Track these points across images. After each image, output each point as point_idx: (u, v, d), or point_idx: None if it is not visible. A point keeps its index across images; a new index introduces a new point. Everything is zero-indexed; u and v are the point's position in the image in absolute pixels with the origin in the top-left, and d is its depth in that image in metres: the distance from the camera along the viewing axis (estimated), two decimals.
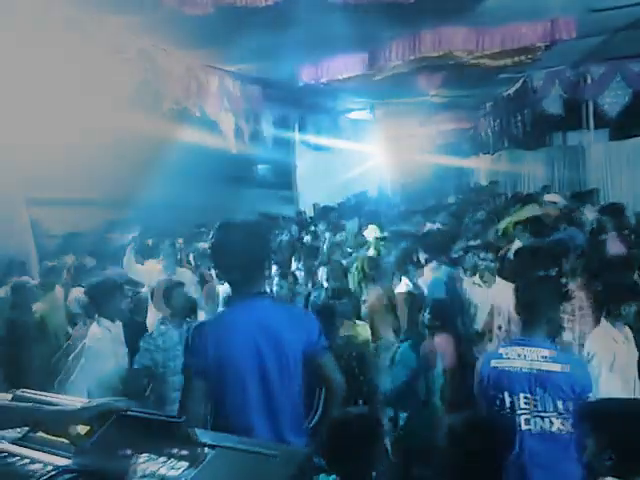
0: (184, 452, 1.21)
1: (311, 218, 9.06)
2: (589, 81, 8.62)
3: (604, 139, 9.85)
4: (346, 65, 7.12)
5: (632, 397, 2.34)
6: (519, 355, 2.56)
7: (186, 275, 5.31)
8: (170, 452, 1.22)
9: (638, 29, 6.68)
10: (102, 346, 3.58)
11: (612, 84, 8.45)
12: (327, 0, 4.77)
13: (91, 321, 3.79)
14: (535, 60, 7.07)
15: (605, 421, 1.97)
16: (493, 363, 2.62)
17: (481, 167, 14.95)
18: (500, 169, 13.01)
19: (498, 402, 2.57)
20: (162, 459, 1.21)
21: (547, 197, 7.63)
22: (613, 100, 8.60)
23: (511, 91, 10.24)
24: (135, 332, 3.98)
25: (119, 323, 3.73)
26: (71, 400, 1.47)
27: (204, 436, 1.26)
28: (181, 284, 4.07)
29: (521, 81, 9.39)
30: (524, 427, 2.49)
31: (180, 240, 7.17)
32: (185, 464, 1.18)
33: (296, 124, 10.63)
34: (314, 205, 10.05)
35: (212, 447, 1.22)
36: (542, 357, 2.52)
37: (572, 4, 5.75)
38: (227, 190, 10.06)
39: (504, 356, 2.60)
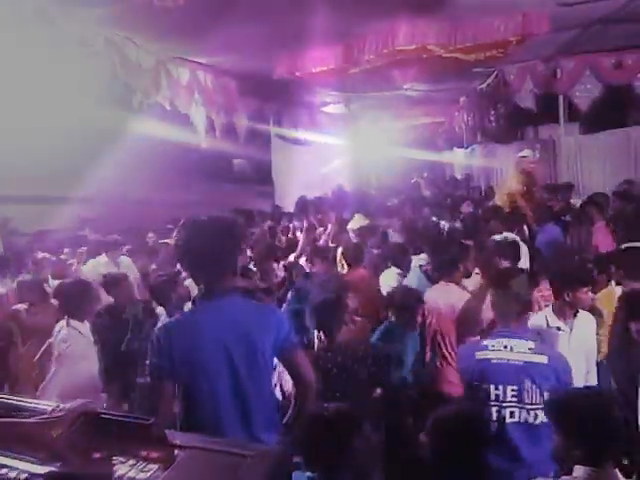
0: (154, 454, 1.18)
1: (283, 213, 9.01)
2: (560, 75, 8.75)
3: (575, 133, 10.03)
4: (321, 58, 7.07)
5: (592, 385, 2.39)
6: (505, 347, 2.54)
7: None
8: (139, 454, 1.19)
9: (609, 24, 6.80)
10: (73, 348, 3.52)
11: (582, 78, 8.60)
12: None
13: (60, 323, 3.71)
14: (507, 54, 7.13)
15: (568, 412, 2.00)
16: (478, 355, 2.59)
17: (455, 161, 15.11)
18: (474, 163, 13.17)
19: (483, 394, 2.56)
20: (131, 462, 1.18)
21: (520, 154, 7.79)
22: (583, 94, 8.74)
23: (484, 85, 10.33)
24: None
25: (87, 324, 3.66)
26: (40, 403, 1.43)
27: (174, 437, 1.23)
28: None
29: (494, 75, 9.48)
30: (509, 420, 2.49)
31: (151, 235, 7.11)
32: (155, 466, 1.15)
33: (271, 118, 10.53)
34: (300, 198, 10.00)
35: (183, 448, 1.19)
36: (529, 349, 2.52)
37: None
38: (203, 185, 9.96)
39: (489, 347, 2.58)
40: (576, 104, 8.81)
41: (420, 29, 6.11)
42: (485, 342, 2.65)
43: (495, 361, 2.54)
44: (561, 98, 9.05)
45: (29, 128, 5.96)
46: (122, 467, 1.16)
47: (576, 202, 7.15)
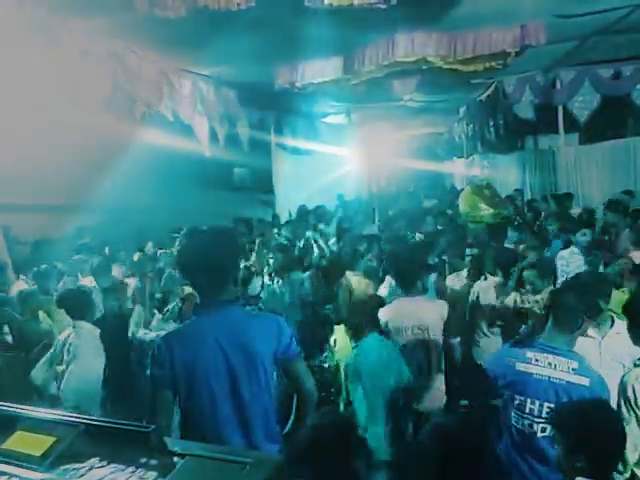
0: (153, 461, 1.18)
1: (287, 222, 9.04)
2: (559, 86, 8.82)
3: (574, 143, 10.08)
4: (321, 69, 7.13)
5: (597, 398, 2.36)
6: (550, 364, 2.52)
7: None
8: (139, 462, 1.19)
9: (607, 35, 6.86)
10: (84, 344, 3.64)
11: (581, 89, 8.66)
12: (302, 4, 4.76)
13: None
14: (506, 66, 7.20)
15: (571, 423, 1.99)
16: (520, 366, 2.57)
17: (455, 171, 15.18)
18: (474, 173, 13.21)
19: (516, 404, 2.55)
20: (130, 469, 1.18)
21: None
22: (582, 105, 8.81)
23: (483, 96, 10.40)
24: None
25: (93, 326, 3.79)
26: (39, 411, 1.43)
27: (174, 444, 1.24)
28: None
29: (493, 86, 9.55)
30: (540, 434, 2.49)
31: (149, 245, 7.14)
32: (154, 474, 1.16)
33: (272, 128, 10.60)
34: (300, 207, 10.09)
35: (182, 455, 1.20)
36: (572, 369, 2.49)
37: (542, 10, 5.87)
38: (205, 194, 9.99)
39: (533, 361, 2.55)
40: (575, 114, 8.88)
41: (419, 41, 6.17)
42: (529, 354, 2.60)
43: (537, 377, 2.52)
44: (560, 108, 9.10)
45: (29, 137, 5.98)
46: (121, 474, 1.16)
47: (575, 212, 7.18)
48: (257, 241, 6.76)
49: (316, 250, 6.59)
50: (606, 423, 1.98)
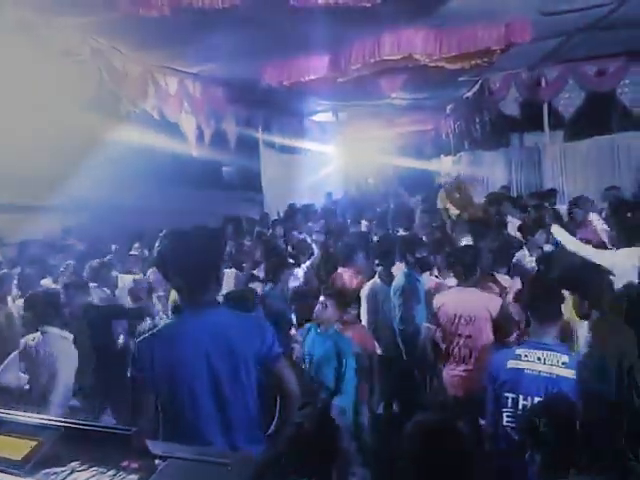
0: (134, 464, 1.18)
1: (274, 221, 9.04)
2: (544, 83, 8.88)
3: (559, 140, 10.16)
4: (309, 67, 7.12)
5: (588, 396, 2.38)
6: (539, 359, 2.54)
7: None
8: (120, 465, 1.19)
9: (591, 32, 6.92)
10: (51, 351, 3.57)
11: (566, 86, 8.74)
12: (288, 2, 4.75)
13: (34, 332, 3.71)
14: (492, 63, 7.24)
15: (560, 419, 2.01)
16: (511, 364, 2.59)
17: (442, 168, 15.22)
18: (461, 170, 13.26)
19: (510, 403, 2.56)
20: (111, 472, 1.18)
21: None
22: (567, 102, 8.89)
23: (470, 94, 10.45)
24: None
25: (67, 331, 3.72)
26: (19, 415, 1.42)
27: (155, 447, 1.23)
28: None
29: (479, 84, 9.60)
30: None
31: (137, 245, 7.08)
32: (135, 477, 1.16)
33: (260, 126, 10.58)
34: (289, 205, 10.11)
35: (163, 458, 1.19)
36: (562, 363, 2.51)
37: (527, 8, 5.90)
38: (193, 193, 9.95)
39: (523, 357, 2.57)
40: (560, 111, 8.95)
41: (406, 39, 6.18)
42: (518, 351, 2.62)
43: (527, 372, 2.54)
44: (546, 105, 9.17)
45: (9, 134, 5.90)
46: (102, 477, 1.16)
47: (560, 208, 7.25)
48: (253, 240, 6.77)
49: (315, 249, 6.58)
50: (571, 419, 2.00)
